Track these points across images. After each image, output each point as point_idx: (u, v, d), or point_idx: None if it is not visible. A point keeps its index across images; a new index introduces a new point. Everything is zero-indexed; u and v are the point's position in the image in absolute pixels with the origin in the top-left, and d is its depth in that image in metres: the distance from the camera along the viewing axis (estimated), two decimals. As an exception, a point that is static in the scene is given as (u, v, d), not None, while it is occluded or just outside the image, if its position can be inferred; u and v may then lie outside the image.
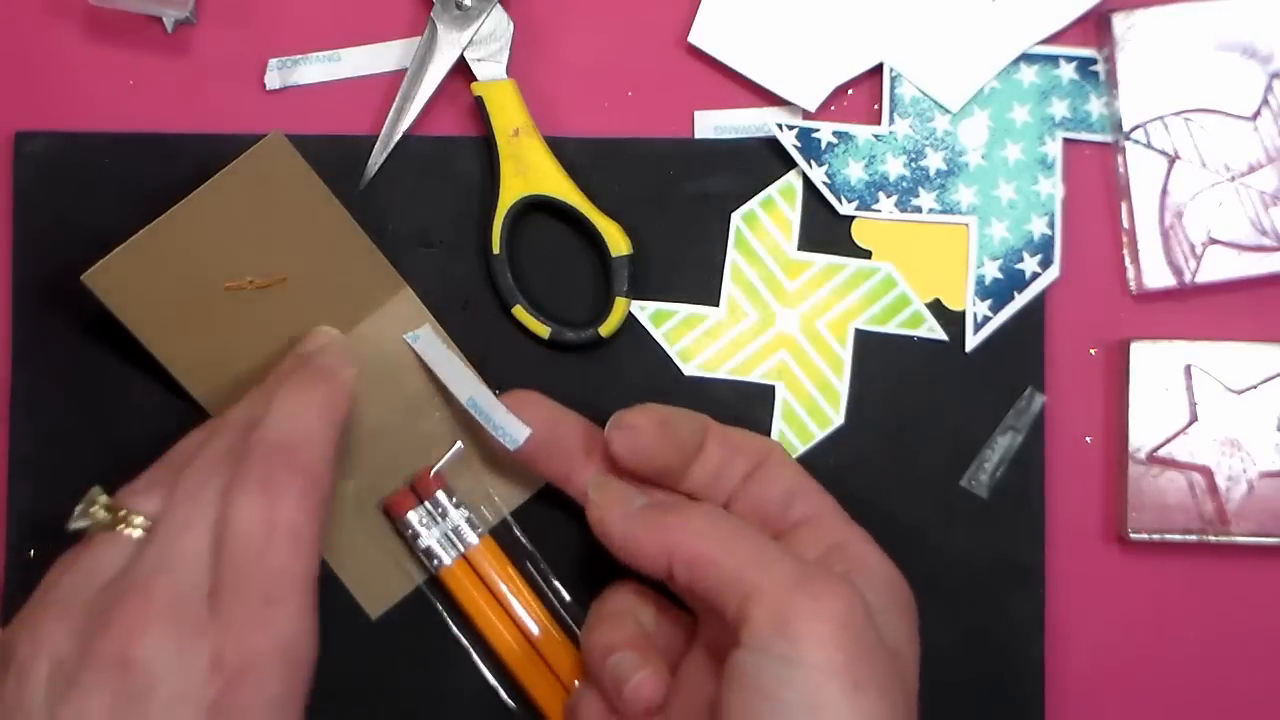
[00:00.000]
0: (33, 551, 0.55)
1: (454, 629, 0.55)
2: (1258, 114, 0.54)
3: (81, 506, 0.47)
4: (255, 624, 0.44)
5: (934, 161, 0.55)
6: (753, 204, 0.55)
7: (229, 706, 0.43)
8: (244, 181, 0.51)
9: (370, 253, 0.54)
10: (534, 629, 0.54)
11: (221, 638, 0.43)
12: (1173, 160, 0.54)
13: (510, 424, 0.51)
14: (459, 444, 0.54)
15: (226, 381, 0.53)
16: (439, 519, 0.53)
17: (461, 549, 0.54)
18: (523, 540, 0.55)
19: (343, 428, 0.49)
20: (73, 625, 0.44)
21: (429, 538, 0.53)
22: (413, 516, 0.53)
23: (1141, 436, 0.54)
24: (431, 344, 0.54)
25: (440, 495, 0.54)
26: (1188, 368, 0.54)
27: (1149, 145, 0.54)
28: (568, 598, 0.55)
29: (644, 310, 0.55)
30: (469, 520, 0.54)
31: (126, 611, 0.43)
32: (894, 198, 0.55)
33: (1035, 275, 0.55)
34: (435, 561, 0.53)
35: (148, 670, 0.42)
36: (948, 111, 0.55)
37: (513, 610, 0.54)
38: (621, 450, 0.49)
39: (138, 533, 0.46)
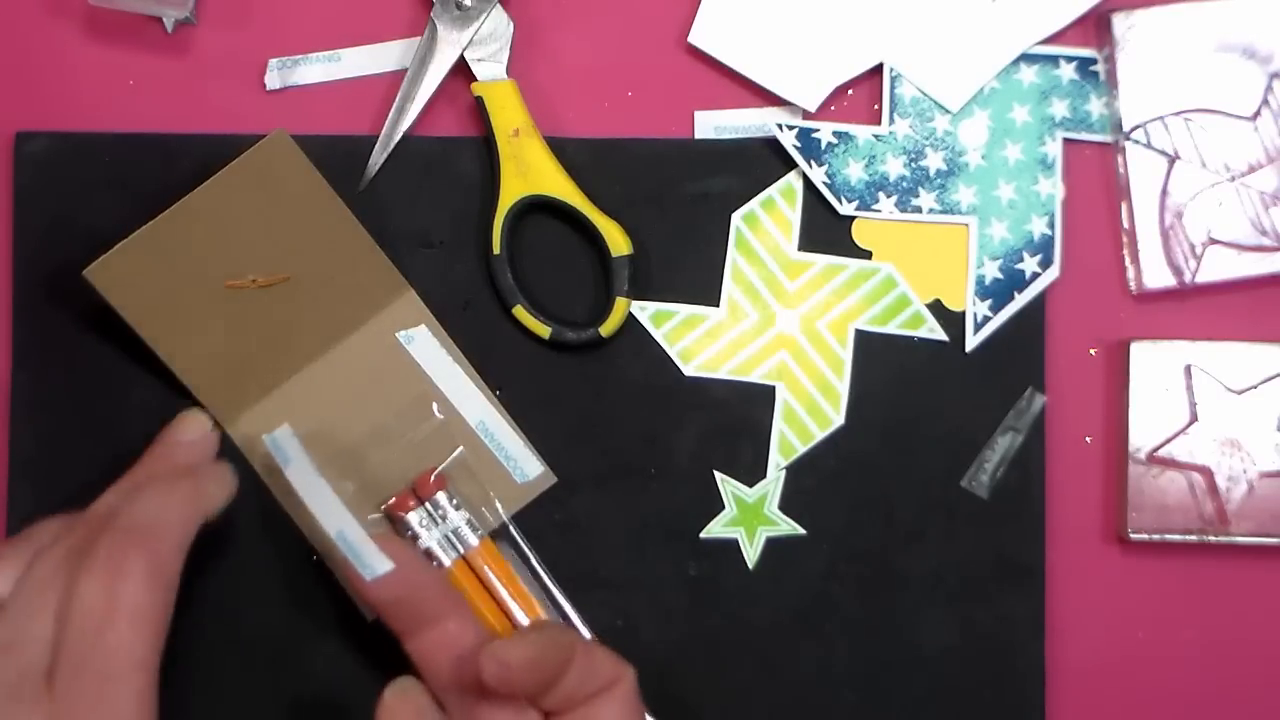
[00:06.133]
0: (33, 552, 0.55)
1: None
2: (1258, 114, 0.54)
3: None
4: (91, 701, 0.43)
5: (934, 161, 0.55)
6: (753, 204, 0.55)
7: None
8: (247, 179, 0.51)
9: (374, 254, 0.54)
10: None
11: (55, 714, 0.42)
12: (1173, 160, 0.54)
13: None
14: (460, 447, 0.54)
15: (228, 379, 0.53)
16: (439, 520, 0.53)
17: (461, 551, 0.54)
18: (521, 543, 0.55)
19: (202, 522, 0.48)
20: None
21: (429, 539, 0.53)
22: (413, 518, 0.53)
23: (1141, 436, 0.54)
24: (425, 346, 0.55)
25: (440, 497, 0.54)
26: (1188, 368, 0.54)
27: (1149, 145, 0.54)
28: (564, 600, 0.55)
29: (644, 310, 0.55)
30: (469, 522, 0.54)
31: None
32: (894, 198, 0.55)
33: (1035, 275, 0.55)
34: (435, 563, 0.53)
35: None
36: (948, 111, 0.55)
37: (510, 612, 0.54)
38: (492, 681, 0.46)
39: None
